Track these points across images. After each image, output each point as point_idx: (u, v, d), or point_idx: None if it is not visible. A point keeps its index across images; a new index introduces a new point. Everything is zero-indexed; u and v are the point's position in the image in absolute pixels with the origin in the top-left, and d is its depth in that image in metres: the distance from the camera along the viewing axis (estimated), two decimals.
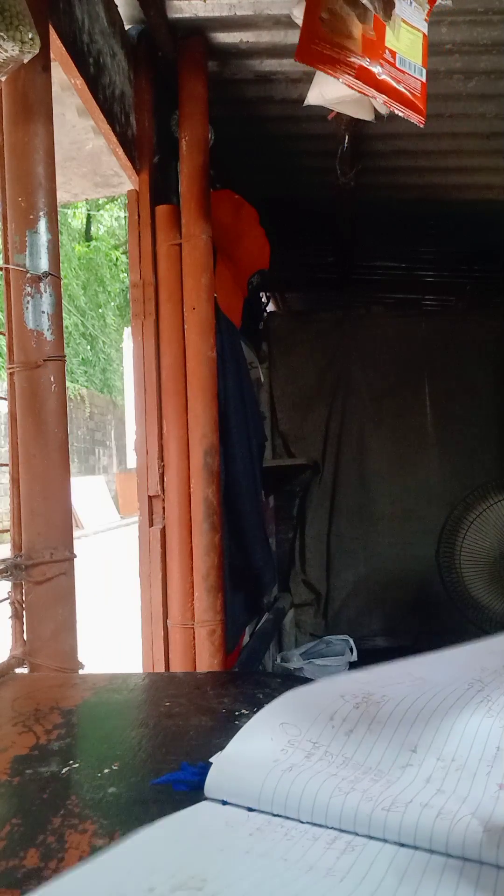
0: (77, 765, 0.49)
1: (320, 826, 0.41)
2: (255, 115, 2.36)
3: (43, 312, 0.70)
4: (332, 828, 0.41)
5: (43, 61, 0.70)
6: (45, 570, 0.69)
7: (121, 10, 1.83)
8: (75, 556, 0.72)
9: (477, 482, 3.61)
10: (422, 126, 1.08)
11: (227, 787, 0.45)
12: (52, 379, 0.70)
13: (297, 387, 4.17)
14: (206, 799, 0.45)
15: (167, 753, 0.51)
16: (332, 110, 1.16)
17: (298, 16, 1.03)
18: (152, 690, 0.63)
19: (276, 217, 2.72)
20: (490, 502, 3.39)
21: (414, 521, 4.07)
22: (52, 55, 0.73)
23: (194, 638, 1.81)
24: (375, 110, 1.14)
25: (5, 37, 0.59)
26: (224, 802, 0.44)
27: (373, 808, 0.41)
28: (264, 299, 3.97)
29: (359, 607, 4.05)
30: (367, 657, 2.88)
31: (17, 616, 0.70)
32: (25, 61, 0.63)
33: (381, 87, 1.03)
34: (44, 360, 0.70)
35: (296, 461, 3.99)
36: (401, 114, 1.06)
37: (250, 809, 0.43)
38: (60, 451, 0.71)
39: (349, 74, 1.01)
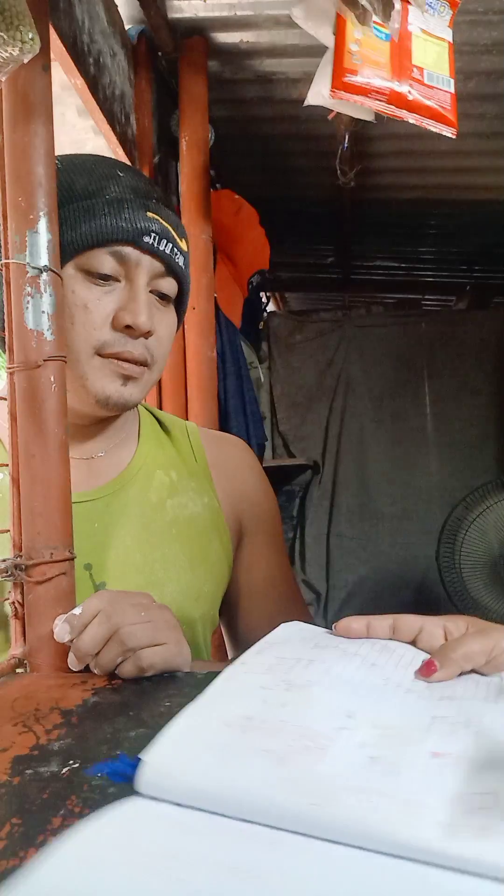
0: (77, 765, 0.49)
1: (249, 822, 0.40)
2: (255, 115, 2.36)
3: (43, 312, 0.70)
4: (261, 823, 0.40)
5: (43, 61, 0.70)
6: (45, 570, 0.69)
7: (121, 10, 1.83)
8: (75, 556, 0.73)
9: (477, 482, 3.61)
10: (454, 137, 1.09)
11: (158, 783, 0.43)
12: (52, 379, 0.70)
13: (297, 387, 4.17)
14: (138, 794, 0.44)
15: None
16: (332, 110, 1.16)
17: (299, 16, 1.03)
18: (152, 690, 0.63)
19: (276, 217, 2.72)
20: (490, 502, 3.39)
21: (414, 521, 4.07)
22: (52, 55, 0.73)
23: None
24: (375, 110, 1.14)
25: (5, 37, 0.59)
26: (155, 799, 0.43)
27: (300, 802, 0.40)
28: (264, 299, 3.97)
29: (359, 607, 4.05)
30: None
31: (17, 616, 0.70)
32: (25, 61, 0.63)
33: (412, 107, 1.04)
34: (44, 360, 0.70)
35: (296, 461, 3.99)
36: (433, 129, 1.07)
37: (181, 806, 0.42)
38: (60, 451, 0.71)
39: (381, 101, 1.03)
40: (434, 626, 0.62)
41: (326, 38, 1.03)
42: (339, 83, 1.01)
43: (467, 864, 0.36)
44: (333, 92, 1.02)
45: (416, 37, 1.03)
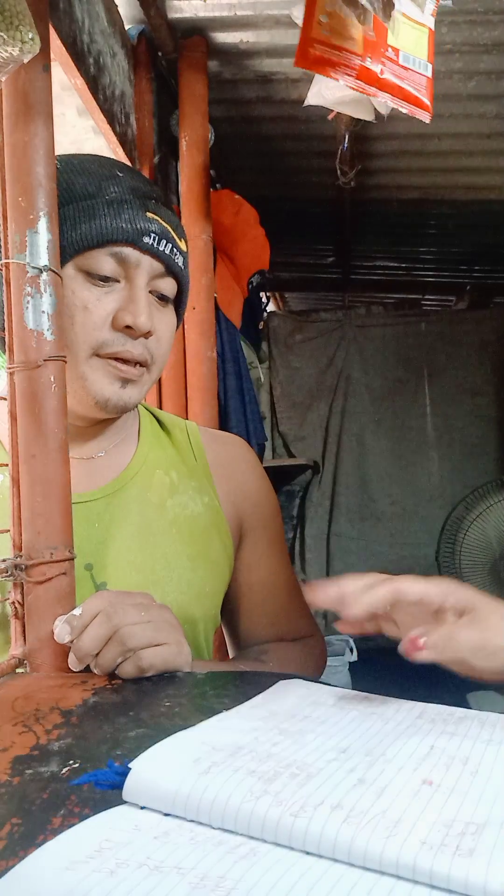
0: (77, 765, 0.49)
1: (229, 832, 0.41)
2: (255, 115, 2.36)
3: (43, 312, 0.70)
4: (241, 834, 0.40)
5: (43, 61, 0.70)
6: (45, 570, 0.69)
7: (121, 10, 1.83)
8: (75, 556, 0.73)
9: (477, 482, 3.61)
10: (429, 122, 1.08)
11: (144, 791, 0.44)
12: (52, 379, 0.70)
13: (297, 387, 4.17)
14: (124, 803, 0.44)
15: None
16: (332, 110, 1.16)
17: (298, 16, 1.03)
18: (152, 690, 0.63)
19: (276, 217, 2.72)
20: (490, 502, 3.40)
21: (414, 521, 4.07)
22: (52, 55, 0.73)
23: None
24: (376, 110, 1.14)
25: (5, 37, 0.59)
26: (142, 807, 0.43)
27: (281, 813, 0.40)
28: (264, 299, 3.97)
29: None
30: (368, 657, 2.88)
31: (17, 616, 0.70)
32: (25, 61, 0.63)
33: (383, 85, 1.03)
34: (44, 360, 0.70)
35: (296, 461, 3.99)
36: (405, 111, 1.05)
37: (165, 814, 0.42)
38: (60, 451, 0.71)
39: (350, 76, 1.01)
40: (432, 599, 0.62)
41: None
42: (306, 52, 1.00)
43: (448, 882, 0.35)
44: (299, 60, 1.00)
45: (395, 19, 1.01)
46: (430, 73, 1.07)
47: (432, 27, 1.06)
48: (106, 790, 0.46)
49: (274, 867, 0.37)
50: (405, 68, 1.04)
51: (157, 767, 0.45)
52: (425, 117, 1.07)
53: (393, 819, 0.40)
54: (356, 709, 0.59)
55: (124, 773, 0.45)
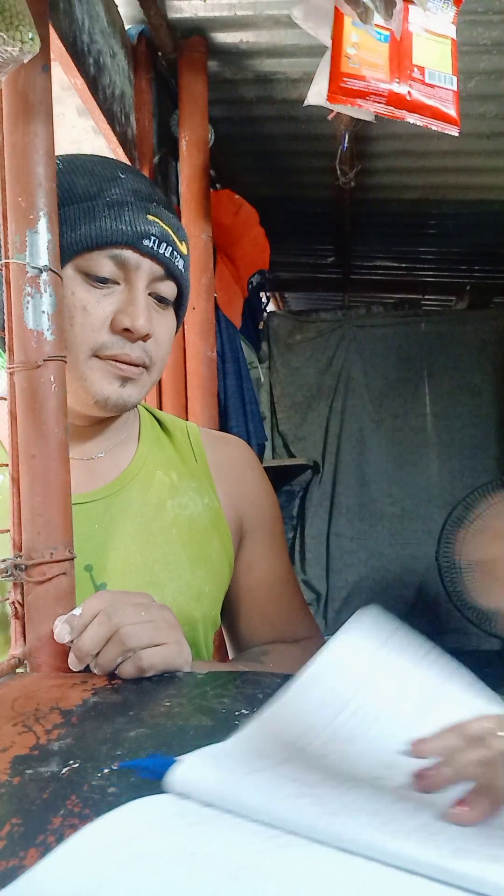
0: (77, 765, 0.49)
1: (267, 825, 0.41)
2: (255, 115, 2.36)
3: (43, 312, 0.70)
4: (278, 827, 0.41)
5: (43, 61, 0.70)
6: (45, 570, 0.69)
7: (121, 10, 1.83)
8: (75, 556, 0.72)
9: (477, 482, 3.61)
10: (458, 135, 1.08)
11: (187, 782, 0.45)
12: (52, 379, 0.70)
13: (297, 387, 4.17)
14: (166, 791, 0.45)
15: (167, 753, 0.51)
16: (332, 110, 1.16)
17: (299, 16, 1.03)
18: (152, 690, 0.63)
19: (276, 217, 2.72)
20: (490, 502, 3.40)
21: (414, 521, 4.07)
22: (52, 55, 0.73)
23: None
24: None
25: (5, 37, 0.59)
26: (183, 796, 0.44)
27: (319, 811, 0.41)
28: (264, 299, 3.97)
29: (359, 607, 4.04)
30: None
31: (17, 616, 0.70)
32: (25, 61, 0.63)
33: (412, 107, 1.04)
34: (44, 360, 0.70)
35: (296, 461, 3.99)
36: (435, 128, 1.06)
37: (206, 805, 0.43)
38: (60, 451, 0.71)
39: (380, 103, 1.02)
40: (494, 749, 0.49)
41: (326, 38, 1.03)
42: (337, 87, 1.01)
43: (474, 883, 0.36)
44: (331, 96, 1.01)
45: (418, 36, 1.02)
46: (455, 87, 1.07)
47: (454, 36, 1.07)
48: (108, 788, 0.46)
49: (309, 859, 0.38)
50: (431, 86, 1.05)
51: (204, 761, 0.47)
52: (454, 131, 1.07)
53: (425, 824, 0.40)
54: (409, 699, 0.57)
55: (169, 763, 0.46)
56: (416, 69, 1.03)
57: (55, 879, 0.37)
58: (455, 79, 1.07)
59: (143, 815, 0.42)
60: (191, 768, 0.45)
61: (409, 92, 1.03)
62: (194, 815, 0.42)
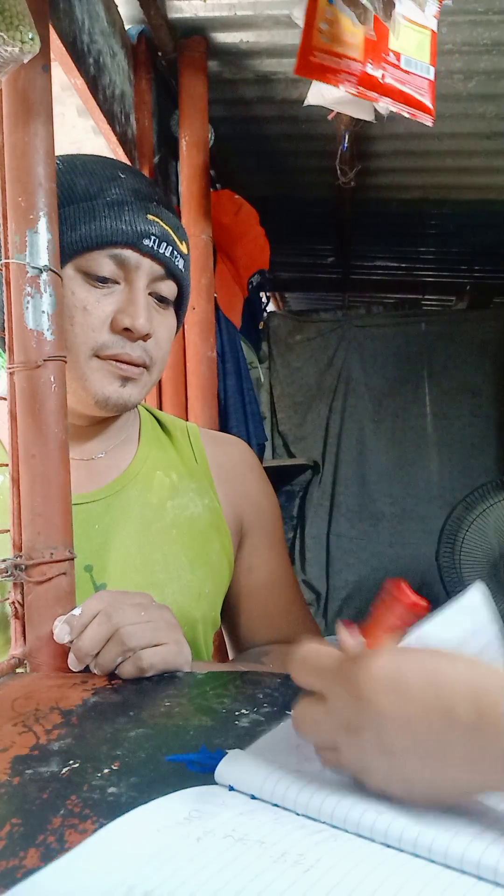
0: (77, 765, 0.49)
1: (313, 819, 0.42)
2: (255, 115, 2.36)
3: (43, 312, 0.70)
4: (324, 822, 0.42)
5: (43, 61, 0.70)
6: (45, 570, 0.69)
7: (121, 10, 1.83)
8: (75, 556, 0.73)
9: (477, 482, 3.61)
10: (431, 125, 1.08)
11: (235, 775, 0.46)
12: (52, 379, 0.70)
13: (297, 387, 4.17)
14: (214, 784, 0.46)
15: (167, 753, 0.51)
16: (332, 110, 1.16)
17: (298, 16, 1.03)
18: (152, 690, 0.63)
19: (276, 217, 2.72)
20: (490, 502, 3.39)
21: (414, 521, 4.07)
22: (52, 55, 0.73)
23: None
24: (375, 110, 1.14)
25: (5, 37, 0.59)
26: (231, 788, 0.45)
27: (365, 808, 0.41)
28: (264, 299, 3.97)
29: (359, 607, 4.05)
30: None
31: (17, 616, 0.71)
32: (25, 61, 0.63)
33: (384, 90, 1.03)
34: (44, 360, 0.70)
35: (296, 461, 3.99)
36: (407, 115, 1.06)
37: (252, 797, 0.44)
38: (60, 451, 0.71)
39: (351, 82, 1.01)
40: None
41: None
42: (306, 61, 1.00)
43: None
44: (299, 69, 1.01)
45: (397, 23, 1.02)
46: (432, 76, 1.07)
47: (435, 29, 1.06)
48: (108, 788, 0.46)
49: (353, 853, 0.38)
50: (407, 72, 1.04)
51: (253, 755, 0.48)
52: (428, 120, 1.07)
53: (473, 832, 0.40)
54: None
55: (217, 757, 0.47)
56: (391, 53, 1.03)
57: (106, 857, 0.38)
58: (433, 69, 1.07)
59: (191, 803, 0.43)
60: (239, 761, 0.47)
61: (382, 75, 1.02)
62: (241, 805, 0.43)
